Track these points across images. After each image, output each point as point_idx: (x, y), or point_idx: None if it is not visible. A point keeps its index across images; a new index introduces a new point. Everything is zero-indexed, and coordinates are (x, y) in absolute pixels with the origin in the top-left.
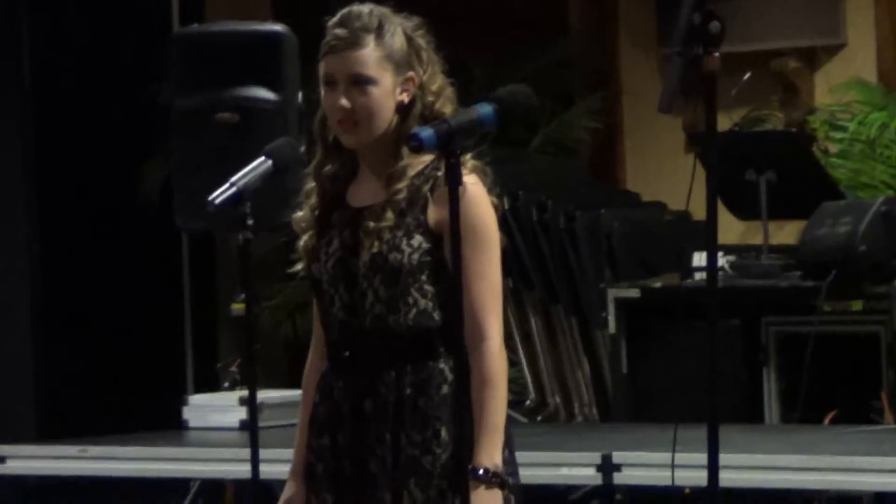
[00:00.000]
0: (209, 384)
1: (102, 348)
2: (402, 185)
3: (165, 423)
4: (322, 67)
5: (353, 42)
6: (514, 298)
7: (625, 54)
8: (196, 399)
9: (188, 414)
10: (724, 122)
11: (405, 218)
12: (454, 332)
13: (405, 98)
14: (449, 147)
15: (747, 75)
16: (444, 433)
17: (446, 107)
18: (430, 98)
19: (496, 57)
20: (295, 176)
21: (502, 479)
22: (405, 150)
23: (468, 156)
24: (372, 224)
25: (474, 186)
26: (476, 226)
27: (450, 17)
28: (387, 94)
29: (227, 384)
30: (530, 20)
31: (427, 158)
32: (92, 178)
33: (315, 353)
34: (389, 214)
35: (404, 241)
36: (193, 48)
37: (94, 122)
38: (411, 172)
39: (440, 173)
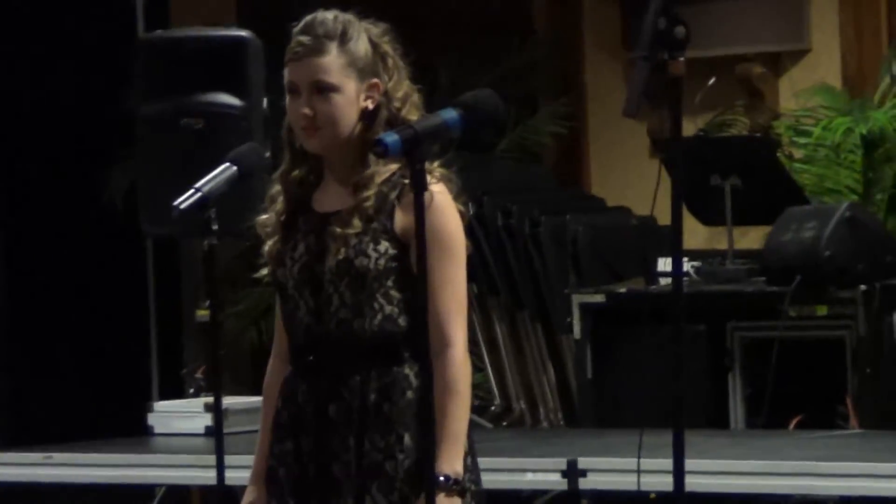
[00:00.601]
0: (174, 390)
1: (67, 354)
2: (370, 192)
3: (130, 430)
4: (286, 75)
5: (316, 49)
6: (479, 304)
7: (590, 59)
8: (161, 405)
9: (153, 420)
10: (688, 128)
11: (372, 224)
12: (419, 338)
13: (369, 105)
14: (414, 152)
15: (712, 80)
16: (407, 439)
17: (413, 113)
18: (397, 104)
19: (461, 61)
20: (260, 182)
21: (463, 487)
22: (372, 157)
23: (436, 164)
24: (339, 230)
25: (441, 195)
26: (442, 234)
27: (415, 20)
28: (350, 101)
29: (192, 390)
30: (495, 24)
31: (394, 166)
32: (56, 184)
33: (276, 357)
34: (356, 221)
35: (371, 247)
36: (158, 54)
37: (58, 128)
38: (379, 180)
39: (407, 180)
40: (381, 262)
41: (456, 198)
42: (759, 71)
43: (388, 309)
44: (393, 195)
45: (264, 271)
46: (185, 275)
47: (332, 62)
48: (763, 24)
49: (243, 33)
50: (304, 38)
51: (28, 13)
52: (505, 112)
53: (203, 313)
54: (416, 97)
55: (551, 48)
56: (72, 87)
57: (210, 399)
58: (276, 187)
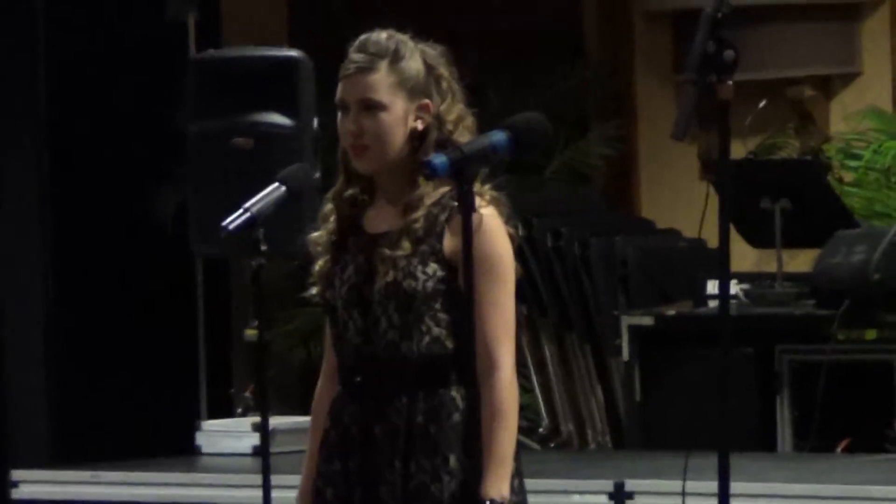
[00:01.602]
0: (222, 410)
1: (116, 373)
2: (419, 213)
3: (178, 449)
4: (337, 92)
5: (366, 67)
6: (528, 325)
7: (640, 81)
8: (209, 424)
9: (201, 439)
10: (738, 150)
11: (421, 246)
12: (466, 361)
13: (419, 125)
14: (462, 174)
15: (762, 103)
16: (453, 461)
17: (465, 136)
18: (449, 127)
19: (511, 83)
20: (309, 202)
21: None
22: (422, 179)
23: (486, 186)
24: (388, 251)
25: (490, 218)
26: (491, 256)
27: (465, 42)
28: (397, 119)
29: (240, 410)
30: (546, 46)
31: (445, 188)
32: (107, 203)
33: (325, 378)
34: (406, 243)
35: (419, 269)
36: (210, 73)
37: (109, 147)
38: (428, 201)
39: (456, 203)
40: (430, 284)
41: (507, 221)
42: (809, 94)
43: (435, 331)
44: (442, 217)
45: (314, 290)
46: (234, 294)
47: (381, 80)
48: (814, 47)
49: (294, 53)
50: (357, 56)
51: (83, 32)
52: (553, 134)
53: (252, 333)
54: (469, 120)
55: (602, 70)
56: (125, 106)
57: (258, 419)
58: (329, 206)
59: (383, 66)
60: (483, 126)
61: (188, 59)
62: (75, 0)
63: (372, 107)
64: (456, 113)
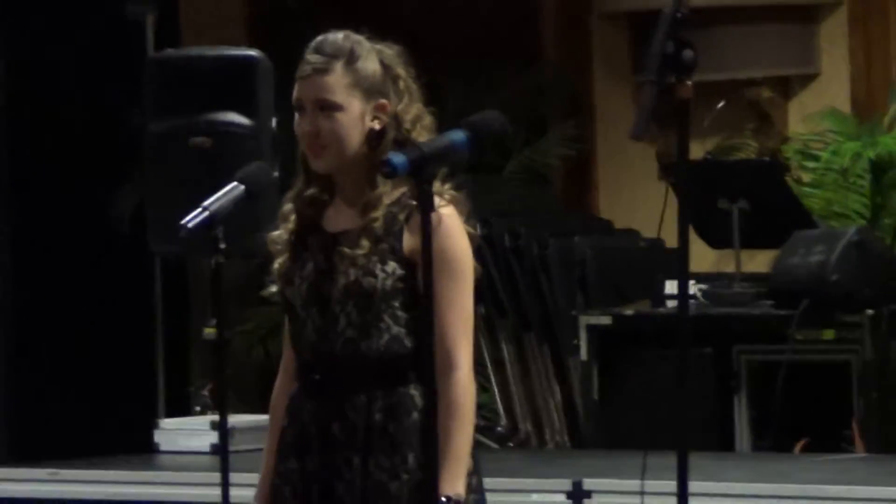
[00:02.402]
0: (181, 408)
1: (74, 371)
2: (378, 213)
3: (137, 447)
4: (294, 93)
5: (322, 68)
6: (486, 325)
7: (598, 82)
8: (167, 423)
9: (159, 437)
10: (697, 151)
11: (380, 244)
12: (425, 360)
13: (376, 125)
14: (421, 173)
15: (721, 104)
16: (412, 459)
17: (423, 136)
18: (407, 126)
19: (470, 83)
20: (267, 201)
21: None
22: (381, 178)
23: (446, 185)
24: (347, 250)
25: (449, 217)
26: (450, 256)
27: (424, 43)
28: (354, 119)
29: (198, 408)
30: (504, 47)
31: (404, 187)
32: (65, 202)
33: (284, 375)
34: (365, 242)
35: (378, 267)
36: (168, 72)
37: (68, 146)
38: (387, 200)
39: (415, 202)
40: (389, 282)
41: (466, 220)
42: (768, 95)
43: (394, 329)
44: (402, 216)
45: (273, 289)
46: (192, 293)
47: (337, 81)
48: (772, 48)
49: (253, 53)
50: (313, 57)
51: (38, 31)
52: (512, 134)
53: (210, 331)
54: (427, 120)
55: (560, 71)
56: (81, 105)
57: (216, 417)
58: (289, 205)
59: (339, 66)
60: (441, 126)
61: (146, 58)
62: (33, 1)
63: (328, 107)
64: (413, 112)
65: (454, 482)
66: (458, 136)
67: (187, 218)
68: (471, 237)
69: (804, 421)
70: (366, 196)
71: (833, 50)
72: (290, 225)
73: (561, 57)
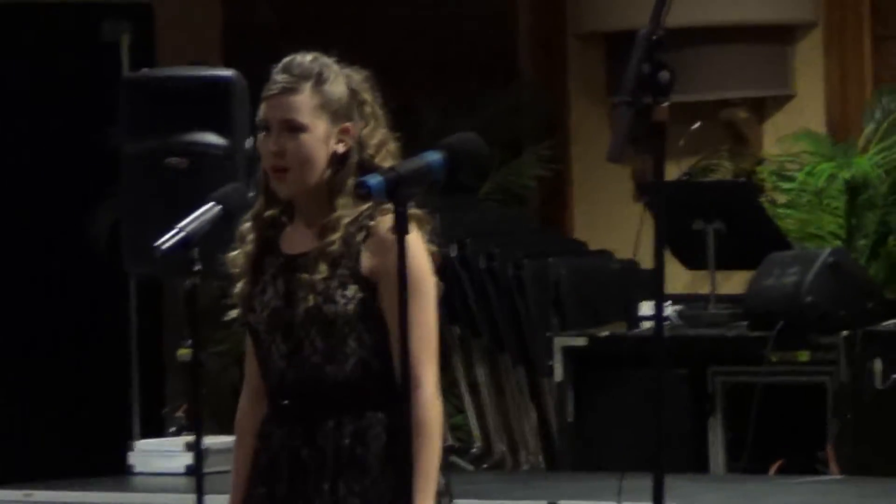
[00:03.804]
0: (155, 429)
1: (48, 393)
2: (336, 236)
3: (111, 468)
4: (259, 112)
5: (290, 88)
6: (461, 346)
7: (574, 103)
8: (142, 444)
9: (134, 459)
10: (672, 172)
11: (338, 268)
12: (392, 380)
13: (340, 148)
14: (397, 194)
15: (696, 125)
16: (382, 483)
17: (387, 161)
18: (371, 151)
19: (445, 104)
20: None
21: None
22: (339, 201)
23: (409, 204)
24: (305, 276)
25: (409, 235)
26: (411, 275)
27: (399, 63)
28: (319, 141)
29: (173, 429)
30: (480, 67)
31: (361, 207)
32: (40, 222)
33: (247, 399)
34: (322, 266)
35: (338, 292)
36: (143, 92)
37: (42, 166)
38: (345, 222)
39: (373, 222)
40: (350, 306)
41: (429, 239)
42: (743, 116)
43: (360, 353)
44: (359, 237)
45: (234, 313)
46: (167, 314)
47: (305, 102)
48: (747, 70)
49: (228, 73)
50: (281, 77)
51: (11, 50)
52: (488, 154)
53: (185, 352)
54: (392, 146)
55: (536, 92)
56: (58, 125)
57: (191, 438)
58: (247, 225)
59: (307, 87)
60: (418, 147)
61: (122, 78)
62: (9, 18)
63: (294, 128)
64: (378, 137)
65: (424, 501)
66: (434, 157)
67: (163, 239)
68: (432, 255)
69: (779, 442)
70: (325, 218)
71: (808, 71)
72: (248, 246)
73: (537, 77)
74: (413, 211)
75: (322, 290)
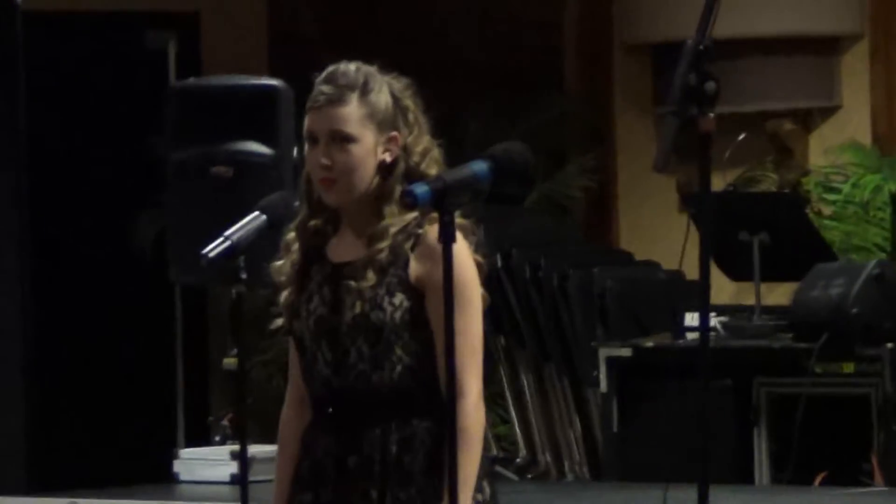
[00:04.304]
0: (200, 438)
1: (94, 400)
2: (384, 244)
3: (156, 476)
4: (305, 123)
5: (336, 99)
6: (506, 356)
7: (619, 113)
8: (187, 452)
9: (179, 467)
10: (717, 183)
11: (386, 276)
12: (438, 389)
13: (387, 157)
14: (443, 204)
15: (742, 136)
16: (428, 490)
17: (432, 168)
18: (416, 159)
19: (491, 113)
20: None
21: None
22: (387, 209)
23: (455, 213)
24: (353, 283)
25: (456, 244)
26: (457, 283)
27: (446, 72)
28: (368, 152)
29: (218, 438)
30: (526, 77)
31: (409, 216)
32: (87, 231)
33: (291, 407)
34: (370, 274)
35: (386, 300)
36: (190, 101)
37: (89, 174)
38: (393, 231)
39: (421, 230)
40: (398, 314)
41: (475, 248)
42: (789, 127)
43: (406, 360)
44: (407, 245)
45: (279, 321)
46: (212, 322)
47: (352, 113)
48: (794, 81)
49: (274, 82)
50: (326, 88)
51: (61, 59)
52: (534, 165)
53: (230, 361)
54: (436, 152)
55: (581, 102)
56: (105, 133)
57: (236, 447)
58: (291, 234)
59: (354, 98)
60: (463, 157)
61: (168, 87)
62: (56, 28)
63: (343, 139)
64: (423, 145)
65: None
66: (479, 166)
67: (209, 247)
68: (479, 266)
69: (823, 454)
70: (372, 227)
71: (854, 83)
72: (294, 255)
73: (582, 88)
74: (460, 221)
75: (370, 298)
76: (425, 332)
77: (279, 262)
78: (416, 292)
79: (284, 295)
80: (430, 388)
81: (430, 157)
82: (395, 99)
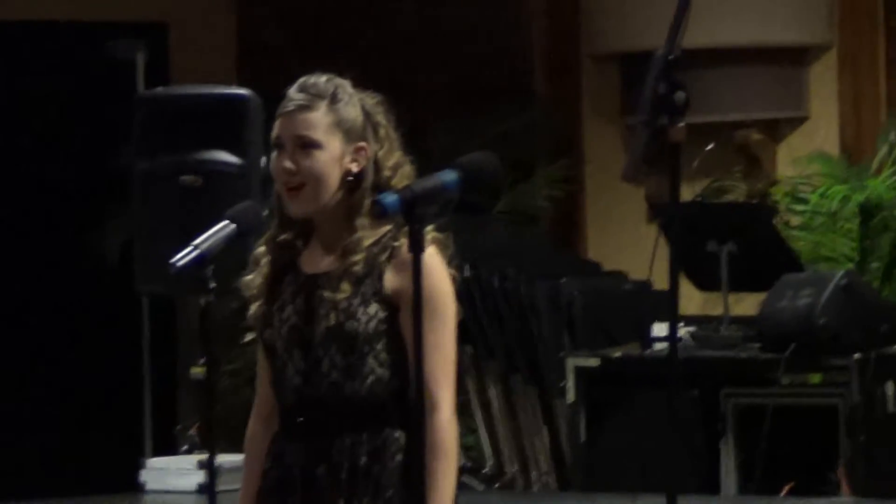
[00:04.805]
0: (168, 447)
1: (61, 410)
2: (359, 256)
3: (123, 486)
4: (273, 130)
5: (305, 106)
6: (473, 366)
7: (588, 123)
8: (154, 462)
9: (146, 476)
10: (686, 193)
11: (361, 286)
12: (409, 401)
13: (354, 167)
14: (413, 213)
15: (710, 146)
16: (396, 501)
17: (403, 183)
18: (387, 173)
19: (459, 124)
20: (257, 240)
21: None
22: (359, 222)
23: (429, 227)
24: (327, 294)
25: (432, 258)
26: (432, 297)
27: (414, 82)
28: (333, 159)
29: (185, 447)
30: (494, 88)
31: (384, 229)
32: (53, 241)
33: (258, 419)
34: (345, 285)
35: (361, 310)
36: (157, 110)
37: (56, 184)
38: (367, 243)
39: (397, 243)
40: (372, 324)
41: (448, 262)
42: (757, 137)
43: (379, 371)
44: (383, 257)
45: (250, 336)
46: (180, 332)
47: (319, 119)
48: (762, 91)
49: (243, 91)
50: (296, 95)
51: (26, 68)
52: (503, 175)
53: (198, 370)
54: (407, 168)
55: (549, 112)
56: (71, 142)
57: (203, 456)
58: (261, 249)
59: (322, 105)
60: (431, 168)
61: (136, 96)
62: (23, 37)
63: (308, 145)
64: (394, 160)
65: None
66: (449, 176)
67: (178, 256)
68: (453, 279)
69: (791, 464)
70: (344, 240)
71: (822, 93)
72: (264, 269)
73: (551, 98)
74: (435, 234)
75: (344, 308)
76: (399, 344)
77: (249, 277)
78: (390, 304)
79: (254, 308)
80: (403, 400)
81: (401, 172)
82: (367, 114)
